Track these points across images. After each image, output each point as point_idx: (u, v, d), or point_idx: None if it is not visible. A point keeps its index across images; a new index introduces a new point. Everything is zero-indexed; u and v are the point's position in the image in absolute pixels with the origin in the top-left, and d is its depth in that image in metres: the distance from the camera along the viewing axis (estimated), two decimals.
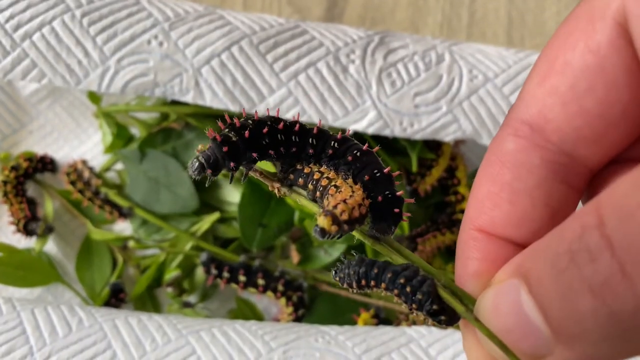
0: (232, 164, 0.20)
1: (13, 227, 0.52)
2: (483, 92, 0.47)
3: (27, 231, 0.51)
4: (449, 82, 0.47)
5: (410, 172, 0.52)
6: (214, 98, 0.45)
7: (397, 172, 0.22)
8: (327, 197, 0.20)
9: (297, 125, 0.21)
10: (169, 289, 0.51)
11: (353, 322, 0.49)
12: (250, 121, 0.21)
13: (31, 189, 0.55)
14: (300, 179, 0.22)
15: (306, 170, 0.21)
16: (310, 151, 0.21)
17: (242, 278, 0.49)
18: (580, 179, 0.18)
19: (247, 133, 0.20)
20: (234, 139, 0.20)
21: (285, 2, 0.63)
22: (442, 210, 0.54)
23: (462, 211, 0.52)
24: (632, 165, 0.17)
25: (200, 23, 0.46)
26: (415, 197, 0.52)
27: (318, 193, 0.21)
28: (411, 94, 0.47)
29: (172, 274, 0.50)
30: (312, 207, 0.21)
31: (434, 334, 0.44)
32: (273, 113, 0.45)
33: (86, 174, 0.52)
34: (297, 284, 0.51)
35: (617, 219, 0.12)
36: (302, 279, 0.51)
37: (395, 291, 0.20)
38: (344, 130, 0.22)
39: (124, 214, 0.52)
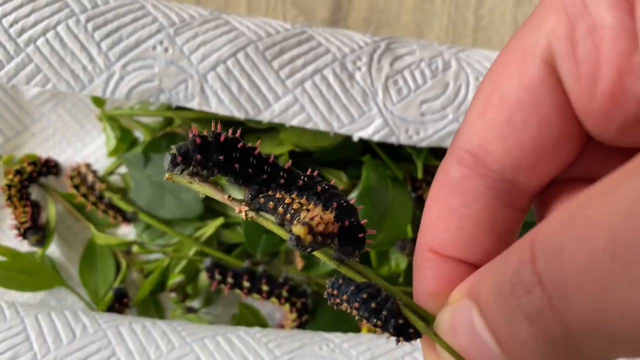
0: (199, 156, 0.21)
1: (16, 231, 0.52)
2: None
3: (26, 238, 0.51)
4: (455, 89, 0.47)
5: (416, 179, 0.52)
6: (220, 105, 0.45)
7: (361, 207, 0.23)
8: (302, 212, 0.21)
9: (271, 159, 0.23)
10: (173, 294, 0.51)
11: (357, 329, 0.49)
12: (229, 134, 0.22)
13: (34, 192, 0.55)
14: (270, 202, 0.22)
15: (278, 195, 0.22)
16: (282, 181, 0.22)
17: (246, 284, 0.49)
18: (523, 200, 0.19)
19: (222, 137, 0.22)
20: (209, 138, 0.22)
21: (290, 3, 0.62)
22: None
23: None
24: (572, 184, 0.19)
25: (205, 28, 0.45)
26: (420, 205, 0.52)
27: (288, 216, 0.21)
28: (417, 101, 0.46)
29: (175, 279, 0.50)
30: (279, 232, 0.22)
31: None
32: (279, 120, 0.45)
33: (90, 177, 0.52)
34: (301, 290, 0.51)
35: (546, 256, 0.14)
36: (306, 285, 0.51)
37: (356, 304, 0.20)
38: (313, 169, 0.23)
39: (127, 218, 0.52)
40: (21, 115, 0.56)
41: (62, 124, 0.56)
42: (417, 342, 0.43)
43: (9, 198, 0.51)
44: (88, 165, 0.53)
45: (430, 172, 0.52)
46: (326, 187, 0.22)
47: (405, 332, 0.20)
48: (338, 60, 0.46)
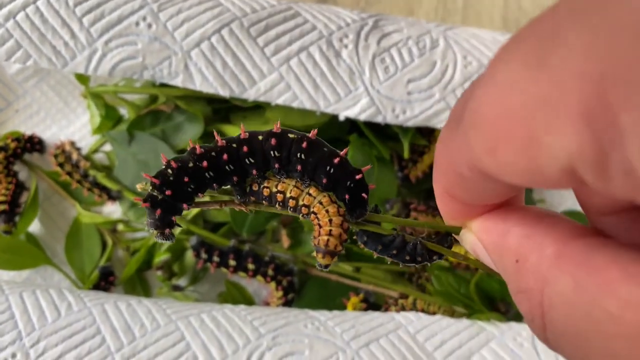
0: (173, 219, 0.21)
1: None
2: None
3: None
4: (442, 68, 0.47)
5: (402, 158, 0.52)
6: (204, 82, 0.44)
7: (345, 151, 0.21)
8: (313, 231, 0.21)
9: (225, 155, 0.21)
10: (159, 272, 0.51)
11: (343, 306, 0.50)
12: (170, 171, 0.21)
13: (21, 173, 0.54)
14: (264, 201, 0.22)
15: (265, 192, 0.22)
16: (254, 172, 0.21)
17: (232, 262, 0.49)
18: None
19: (168, 191, 0.20)
20: (160, 197, 0.21)
21: None
22: (433, 197, 0.53)
23: None
24: None
25: (189, 4, 0.45)
26: (407, 184, 0.52)
27: (290, 211, 0.22)
28: (404, 80, 0.46)
29: (161, 257, 0.50)
30: (287, 213, 0.22)
31: (422, 320, 0.44)
32: (264, 98, 0.45)
33: (74, 155, 0.51)
34: (287, 268, 0.51)
35: (552, 325, 0.16)
36: (292, 264, 0.51)
37: (389, 259, 0.23)
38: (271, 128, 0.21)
39: (112, 196, 0.52)
40: (4, 91, 0.55)
41: (46, 101, 0.55)
42: (400, 320, 0.44)
43: None
44: (72, 143, 0.52)
45: (416, 151, 0.51)
46: (302, 157, 0.21)
47: (439, 259, 0.23)
48: (324, 37, 0.45)
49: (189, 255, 0.51)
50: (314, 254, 0.21)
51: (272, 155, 0.21)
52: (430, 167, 0.52)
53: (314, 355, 0.41)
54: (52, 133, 0.55)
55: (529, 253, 0.17)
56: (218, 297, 0.52)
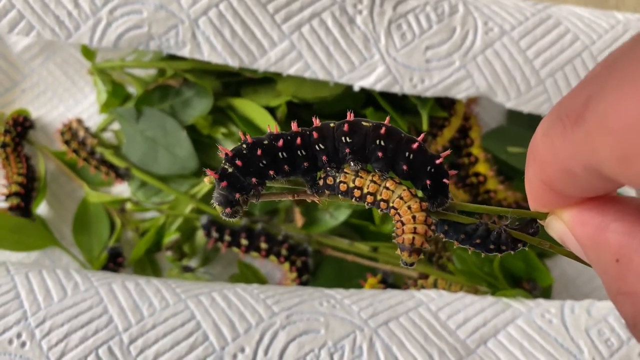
0: (237, 195, 0.20)
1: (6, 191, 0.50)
2: (499, 45, 0.44)
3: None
4: (462, 34, 0.44)
5: (420, 132, 0.49)
6: (212, 52, 0.43)
7: (422, 136, 0.21)
8: (395, 230, 0.21)
9: (299, 139, 0.20)
10: (169, 253, 0.49)
11: (359, 288, 0.47)
12: (244, 146, 0.20)
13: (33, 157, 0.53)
14: (340, 196, 0.22)
15: (342, 187, 0.21)
16: (324, 158, 0.21)
17: (244, 242, 0.48)
18: None
19: (239, 161, 0.20)
20: (229, 170, 0.20)
21: None
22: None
23: (475, 174, 0.50)
24: None
25: None
26: None
27: (367, 205, 0.21)
28: (422, 47, 0.44)
29: (171, 237, 0.49)
30: (360, 205, 0.22)
31: (444, 297, 0.42)
32: (275, 68, 0.43)
33: (81, 133, 0.50)
34: (302, 248, 0.49)
35: None
36: (307, 243, 0.49)
37: (471, 248, 0.22)
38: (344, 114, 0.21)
39: (121, 175, 0.50)
40: (10, 70, 0.54)
41: (53, 80, 0.54)
42: (421, 298, 0.41)
43: (6, 157, 0.50)
44: (79, 121, 0.51)
45: (436, 125, 0.49)
46: (381, 143, 0.20)
47: (523, 247, 0.22)
48: (337, 3, 0.43)
49: (200, 235, 0.50)
50: (398, 251, 0.21)
51: (344, 141, 0.20)
52: (451, 140, 0.50)
53: (330, 334, 0.39)
54: (60, 113, 0.54)
55: (633, 254, 0.16)
56: (230, 278, 0.50)
